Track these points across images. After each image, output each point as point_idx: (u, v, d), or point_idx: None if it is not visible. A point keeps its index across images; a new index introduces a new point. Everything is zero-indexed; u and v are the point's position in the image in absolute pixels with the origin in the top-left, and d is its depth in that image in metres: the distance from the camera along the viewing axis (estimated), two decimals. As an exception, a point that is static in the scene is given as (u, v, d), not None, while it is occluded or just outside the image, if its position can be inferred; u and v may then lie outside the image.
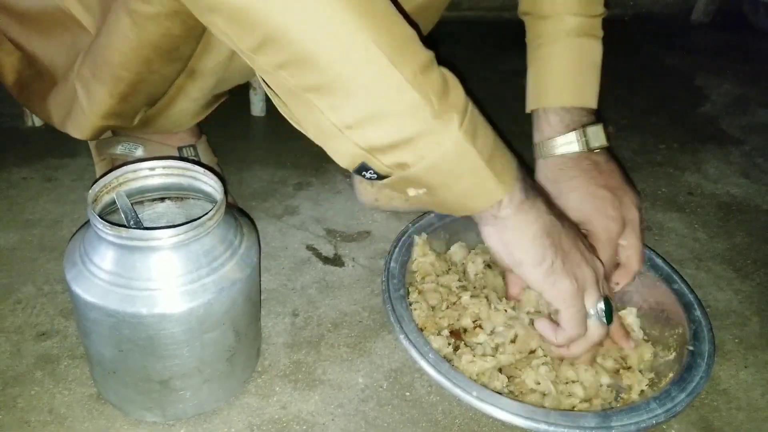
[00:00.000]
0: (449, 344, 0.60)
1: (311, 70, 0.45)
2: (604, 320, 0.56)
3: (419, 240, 0.68)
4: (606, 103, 1.19)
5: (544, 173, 0.70)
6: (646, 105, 1.24)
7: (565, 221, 0.58)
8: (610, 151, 0.70)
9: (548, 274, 0.54)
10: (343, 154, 0.49)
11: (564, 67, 0.69)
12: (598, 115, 0.70)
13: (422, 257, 0.67)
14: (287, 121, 0.51)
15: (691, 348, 0.59)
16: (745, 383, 0.64)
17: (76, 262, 0.49)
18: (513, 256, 0.55)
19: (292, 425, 0.56)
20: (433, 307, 0.63)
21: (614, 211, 0.65)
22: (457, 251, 0.70)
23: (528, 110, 0.72)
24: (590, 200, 0.65)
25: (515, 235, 0.54)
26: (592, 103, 0.70)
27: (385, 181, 0.50)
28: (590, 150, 0.68)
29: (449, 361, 0.57)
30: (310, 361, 0.62)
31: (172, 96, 0.65)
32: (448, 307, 0.63)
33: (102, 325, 0.48)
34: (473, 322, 0.62)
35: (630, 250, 0.65)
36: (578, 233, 0.59)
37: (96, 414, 0.55)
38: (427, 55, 0.48)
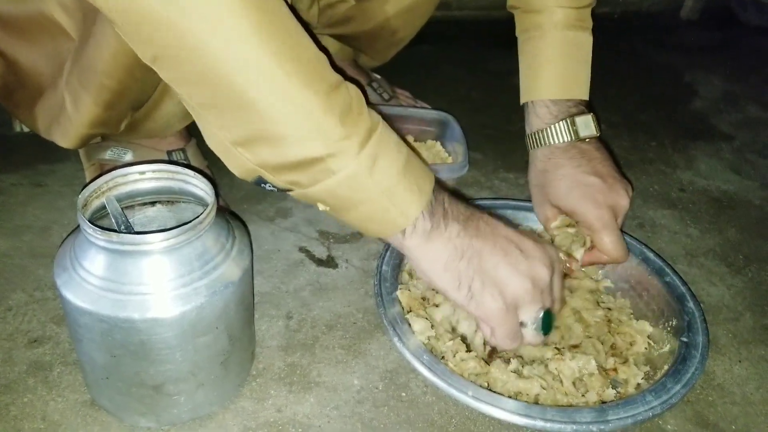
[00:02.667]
0: (432, 326, 0.60)
1: (200, 87, 0.45)
2: (541, 332, 0.55)
3: None
4: (596, 101, 1.19)
5: (534, 164, 0.71)
6: (637, 102, 1.25)
7: (491, 235, 0.54)
8: (600, 140, 0.70)
9: (469, 299, 0.53)
10: (237, 167, 0.49)
11: (553, 59, 0.70)
12: (589, 106, 0.71)
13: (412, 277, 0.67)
14: None
15: (685, 340, 0.59)
16: (739, 378, 0.64)
17: (67, 268, 0.49)
18: (434, 285, 0.54)
19: (288, 428, 0.55)
20: (423, 298, 0.64)
21: (602, 198, 0.65)
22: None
23: (521, 103, 0.72)
24: (578, 188, 0.65)
25: (428, 265, 0.53)
26: (582, 94, 0.70)
27: (289, 193, 0.50)
28: (580, 139, 0.68)
29: (432, 349, 0.58)
30: (304, 363, 0.62)
31: (156, 99, 0.65)
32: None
33: (94, 331, 0.48)
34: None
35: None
36: (515, 240, 0.55)
37: (90, 420, 0.55)
38: (330, 79, 0.47)
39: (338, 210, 0.50)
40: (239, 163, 0.48)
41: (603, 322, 0.63)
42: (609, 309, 0.65)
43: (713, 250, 0.83)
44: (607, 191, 0.65)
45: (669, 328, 0.62)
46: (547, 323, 0.55)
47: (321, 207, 0.51)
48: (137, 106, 0.65)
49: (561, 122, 0.68)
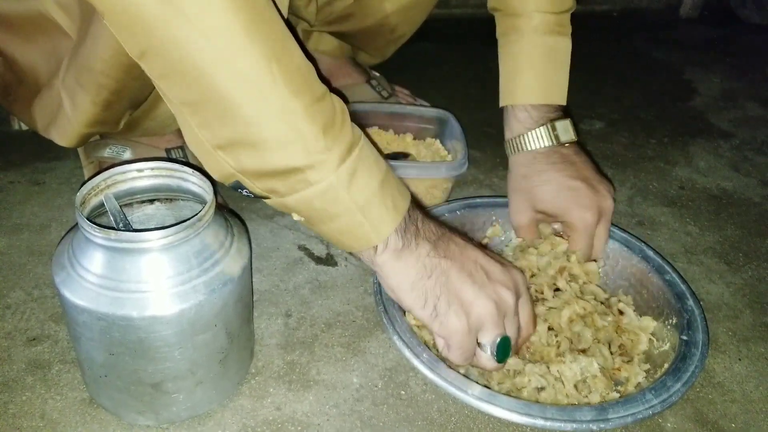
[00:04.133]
0: None
1: (186, 85, 0.44)
2: (495, 358, 0.54)
3: None
4: (596, 99, 1.19)
5: (515, 170, 0.71)
6: (636, 100, 1.25)
7: (460, 256, 0.54)
8: (579, 145, 0.71)
9: (434, 317, 0.53)
10: (215, 170, 0.49)
11: (531, 65, 0.70)
12: (566, 111, 0.71)
13: None
14: None
15: (685, 338, 0.59)
16: (739, 376, 0.64)
17: (65, 266, 0.49)
18: (402, 302, 0.55)
19: (287, 426, 0.55)
20: None
21: (589, 201, 0.66)
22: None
23: (500, 106, 0.73)
24: (564, 191, 0.66)
25: (396, 282, 0.53)
26: (560, 99, 0.71)
27: (265, 201, 0.50)
28: (560, 144, 0.69)
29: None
30: (304, 361, 0.62)
31: (155, 98, 0.64)
32: None
33: (92, 329, 0.48)
34: None
35: (596, 239, 0.67)
36: (483, 262, 0.55)
37: (88, 419, 0.55)
38: (316, 90, 0.47)
39: (313, 221, 0.51)
40: (219, 166, 0.48)
41: (611, 325, 0.63)
42: (619, 311, 0.65)
43: (712, 247, 0.83)
44: (592, 194, 0.66)
45: (669, 326, 0.62)
46: (503, 350, 0.54)
47: (296, 217, 0.51)
48: (136, 105, 0.65)
49: (541, 127, 0.68)
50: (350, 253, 0.54)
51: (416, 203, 0.55)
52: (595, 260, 0.69)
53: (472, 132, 1.00)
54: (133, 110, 0.65)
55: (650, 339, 0.62)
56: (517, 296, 0.56)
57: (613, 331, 0.62)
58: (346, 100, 0.51)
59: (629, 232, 0.72)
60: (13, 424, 0.54)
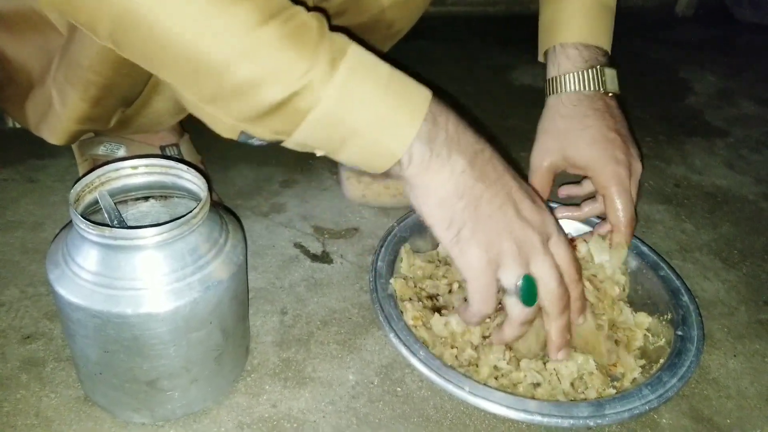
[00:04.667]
0: (424, 307, 0.60)
1: (156, 51, 0.43)
2: (521, 300, 0.51)
3: (404, 251, 0.67)
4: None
5: (554, 109, 0.67)
6: (632, 98, 1.25)
7: (497, 181, 0.51)
8: (619, 100, 0.69)
9: (455, 242, 0.50)
10: (217, 128, 0.47)
11: (581, 5, 0.67)
12: (612, 61, 0.69)
13: (409, 268, 0.67)
14: None
15: (680, 333, 0.59)
16: (734, 372, 0.64)
17: (59, 263, 0.48)
18: (425, 219, 0.51)
19: (283, 423, 0.55)
20: (415, 284, 0.65)
21: (624, 156, 0.63)
22: (443, 248, 0.70)
23: (542, 51, 0.70)
24: (601, 142, 0.63)
25: (423, 197, 0.50)
26: (608, 45, 0.68)
27: (283, 144, 0.47)
28: (606, 92, 0.66)
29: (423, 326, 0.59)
30: (299, 358, 0.62)
31: (147, 95, 0.64)
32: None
33: (87, 326, 0.47)
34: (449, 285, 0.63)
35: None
36: (517, 196, 0.51)
37: (83, 416, 0.55)
38: (282, 12, 0.43)
39: (331, 151, 0.47)
40: (216, 122, 0.46)
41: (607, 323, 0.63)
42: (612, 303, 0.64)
43: (708, 245, 0.83)
44: (627, 152, 0.63)
45: (664, 322, 0.62)
46: (528, 290, 0.51)
47: (319, 153, 0.48)
48: (127, 103, 0.64)
49: (592, 69, 0.65)
50: (384, 175, 0.50)
51: (443, 104, 0.50)
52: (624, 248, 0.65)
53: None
54: (126, 107, 0.65)
55: (645, 335, 0.62)
56: (546, 237, 0.52)
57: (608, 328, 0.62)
58: (326, 15, 0.47)
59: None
60: (8, 422, 0.54)
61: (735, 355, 0.66)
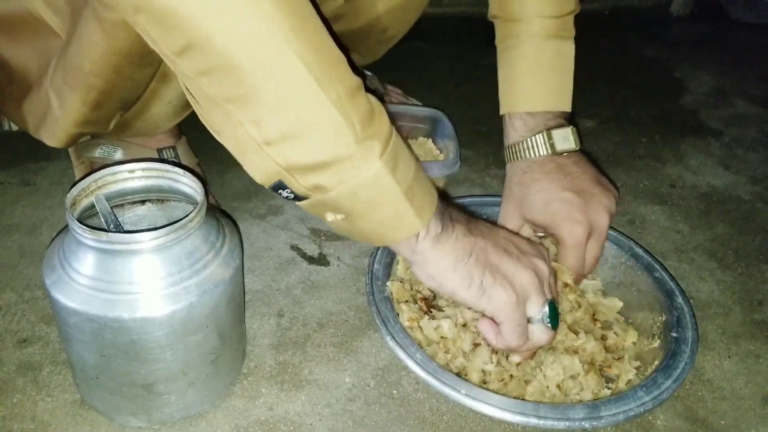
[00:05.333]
0: (419, 309, 0.61)
1: (233, 80, 0.43)
2: (549, 325, 0.55)
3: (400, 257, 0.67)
4: (587, 97, 1.19)
5: (509, 178, 0.70)
6: (627, 98, 1.25)
7: (491, 234, 0.56)
8: (583, 153, 0.69)
9: (480, 294, 0.53)
10: (259, 170, 0.48)
11: (530, 70, 0.68)
12: (570, 118, 0.69)
13: (405, 271, 0.67)
14: None
15: (674, 335, 0.59)
16: (729, 373, 0.64)
17: (56, 267, 0.49)
18: (444, 288, 0.54)
19: (279, 426, 0.55)
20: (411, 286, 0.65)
21: (580, 215, 0.63)
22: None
23: (500, 114, 0.71)
24: (554, 203, 0.64)
25: (438, 268, 0.53)
26: (563, 105, 0.68)
27: (302, 203, 0.49)
28: (557, 153, 0.66)
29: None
30: (296, 361, 0.62)
31: (146, 100, 0.64)
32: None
33: (83, 331, 0.48)
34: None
35: (587, 255, 0.64)
36: (512, 238, 0.57)
37: (80, 420, 0.55)
38: (355, 80, 0.47)
39: (354, 216, 0.49)
40: (264, 164, 0.47)
41: (587, 319, 0.63)
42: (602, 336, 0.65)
43: (703, 245, 0.84)
44: (584, 208, 0.64)
45: (658, 324, 0.62)
46: (555, 315, 0.55)
47: (330, 218, 0.50)
48: (127, 106, 0.64)
49: (537, 135, 0.66)
50: (388, 247, 0.54)
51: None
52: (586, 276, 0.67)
53: (465, 131, 1.00)
54: (125, 111, 0.65)
55: (634, 343, 0.63)
56: (548, 266, 0.57)
57: (589, 323, 0.63)
58: (380, 99, 0.51)
59: (618, 230, 0.72)
60: (4, 426, 0.54)
61: (729, 356, 0.67)
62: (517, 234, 0.60)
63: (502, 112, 0.70)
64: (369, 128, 0.47)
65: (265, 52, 0.42)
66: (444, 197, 0.56)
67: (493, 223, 0.67)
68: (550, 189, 0.65)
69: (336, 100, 0.44)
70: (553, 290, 0.57)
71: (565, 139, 0.67)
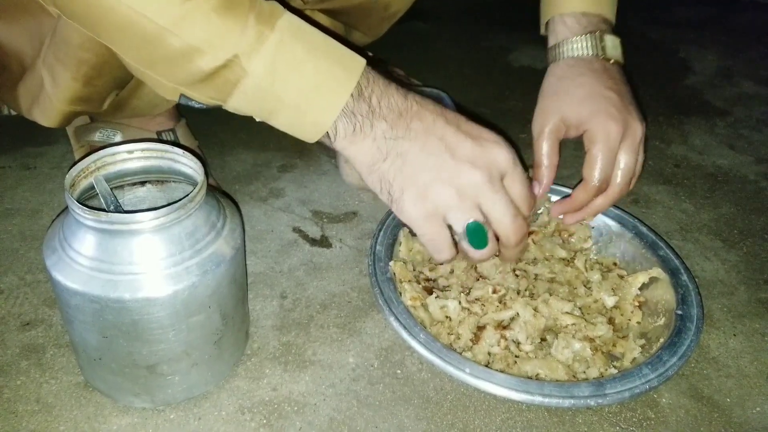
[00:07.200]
0: (422, 288, 0.61)
1: (94, 21, 0.46)
2: (470, 245, 0.52)
3: (402, 235, 0.67)
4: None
5: (552, 72, 0.67)
6: (632, 79, 1.24)
7: (425, 132, 0.51)
8: (625, 71, 0.67)
9: (392, 202, 0.52)
10: (160, 90, 0.50)
11: None
12: (616, 31, 0.68)
13: (408, 252, 0.67)
14: None
15: (679, 312, 0.59)
16: (734, 351, 0.64)
17: (56, 249, 0.48)
18: (370, 188, 0.53)
19: (284, 406, 0.55)
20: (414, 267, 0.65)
21: (617, 113, 0.60)
22: None
23: (543, 23, 0.69)
24: (595, 98, 0.62)
25: (357, 166, 0.52)
26: (610, 14, 0.67)
27: (223, 107, 0.50)
28: (606, 58, 0.65)
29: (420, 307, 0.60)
30: (299, 342, 0.62)
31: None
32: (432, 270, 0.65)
33: (85, 312, 0.47)
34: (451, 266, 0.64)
35: (616, 163, 0.61)
36: (457, 134, 0.51)
37: (84, 402, 0.55)
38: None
39: (264, 119, 0.50)
40: (158, 84, 0.49)
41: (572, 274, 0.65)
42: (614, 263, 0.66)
43: (708, 225, 0.83)
44: (623, 110, 0.61)
45: (663, 302, 0.62)
46: (476, 236, 0.51)
47: (257, 118, 0.50)
48: (121, 84, 0.64)
49: (589, 35, 0.65)
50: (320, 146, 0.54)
51: (375, 74, 0.51)
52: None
53: (466, 111, 0.99)
54: (119, 89, 0.64)
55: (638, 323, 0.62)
56: (495, 174, 0.52)
57: (574, 280, 0.64)
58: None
59: (623, 210, 0.72)
60: (9, 408, 0.54)
61: (735, 334, 0.66)
62: (474, 130, 0.53)
63: (550, 15, 0.68)
64: (235, 32, 0.45)
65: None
66: (381, 78, 0.51)
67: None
68: (594, 84, 0.62)
69: (183, 17, 0.44)
70: (512, 196, 0.52)
71: (615, 47, 0.66)
